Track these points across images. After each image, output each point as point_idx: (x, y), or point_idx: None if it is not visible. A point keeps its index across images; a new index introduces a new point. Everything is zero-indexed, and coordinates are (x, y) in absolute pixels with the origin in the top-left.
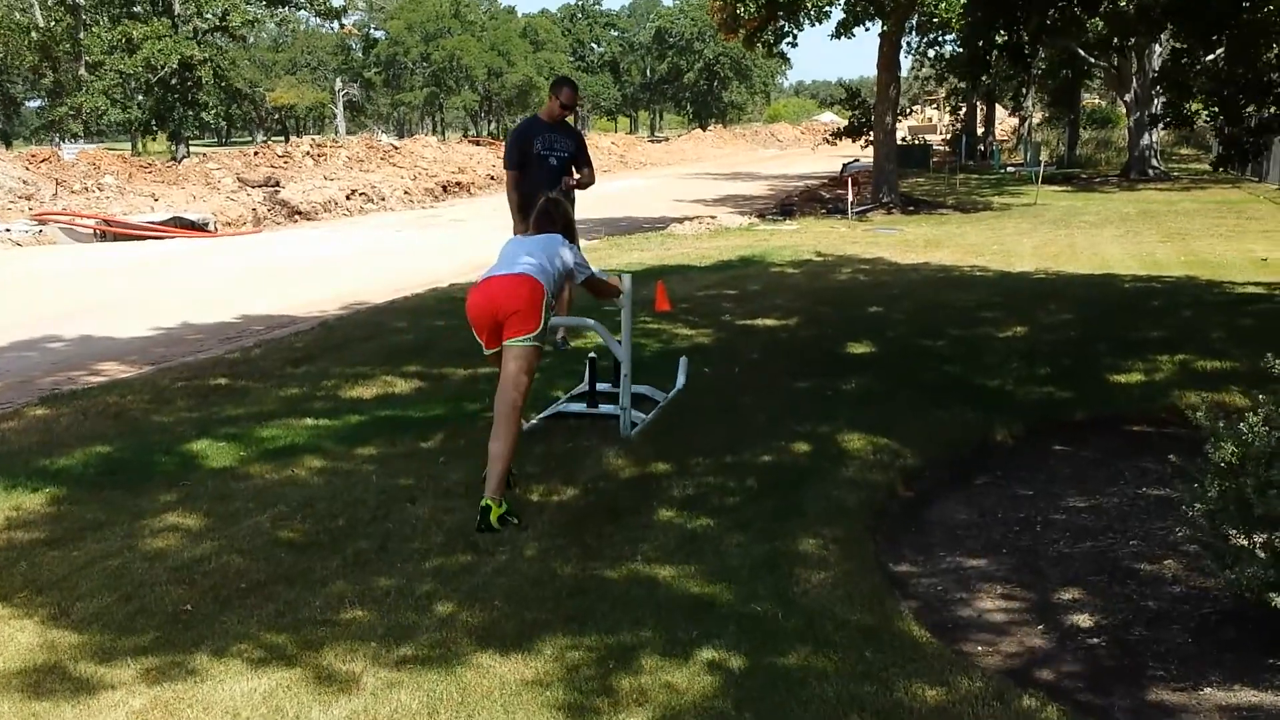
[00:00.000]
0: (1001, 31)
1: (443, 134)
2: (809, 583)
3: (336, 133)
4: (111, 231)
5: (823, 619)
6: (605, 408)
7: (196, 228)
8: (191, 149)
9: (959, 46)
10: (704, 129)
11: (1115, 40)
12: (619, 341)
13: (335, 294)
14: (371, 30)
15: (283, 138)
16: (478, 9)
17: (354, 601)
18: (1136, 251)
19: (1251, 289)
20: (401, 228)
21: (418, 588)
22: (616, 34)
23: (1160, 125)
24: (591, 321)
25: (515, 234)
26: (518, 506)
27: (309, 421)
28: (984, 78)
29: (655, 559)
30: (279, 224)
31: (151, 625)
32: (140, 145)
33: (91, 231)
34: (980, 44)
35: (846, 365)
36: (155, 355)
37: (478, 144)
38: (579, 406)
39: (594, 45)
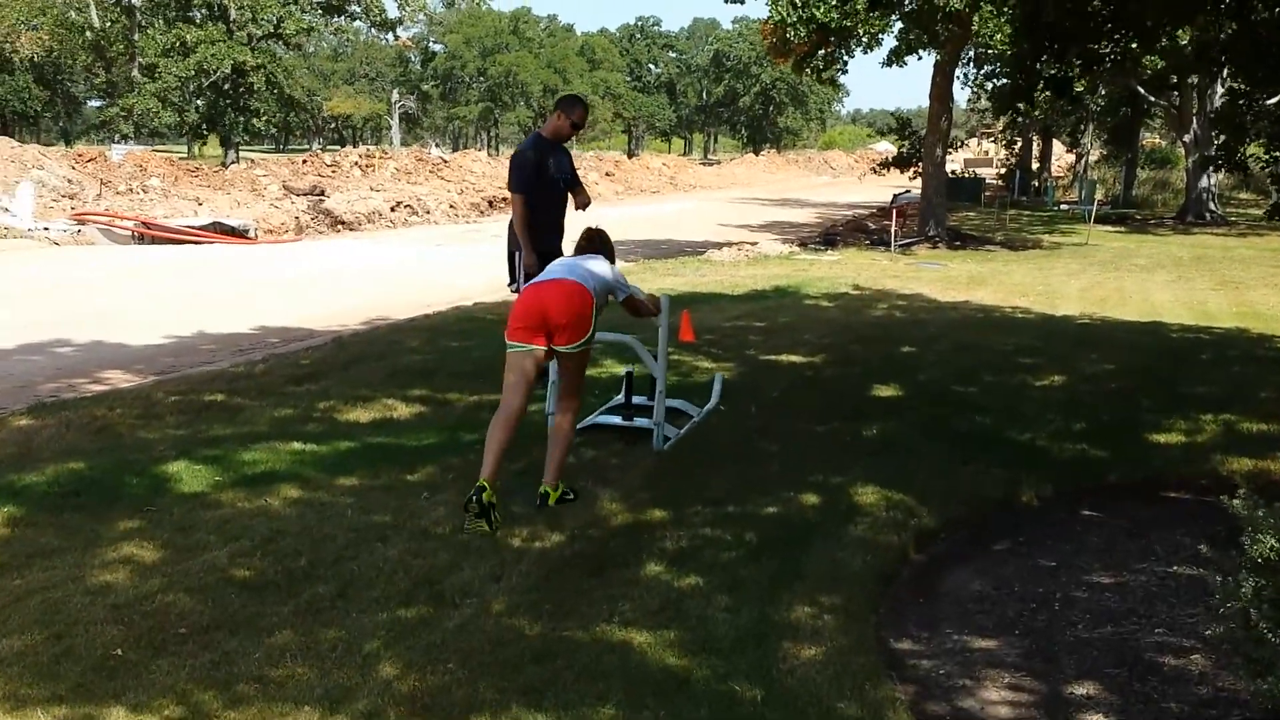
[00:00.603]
0: (1050, 63)
1: (496, 149)
2: (797, 659)
3: (391, 144)
4: (149, 234)
5: (806, 704)
6: (640, 421)
7: (236, 234)
8: (247, 155)
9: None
10: (757, 153)
11: (1174, 79)
12: (655, 358)
13: (361, 307)
14: (430, 43)
15: (339, 147)
16: (536, 26)
17: (296, 655)
18: (1187, 299)
19: None
20: (442, 241)
21: (367, 644)
22: (674, 55)
23: (1212, 168)
24: (629, 338)
25: (525, 264)
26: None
27: (296, 446)
28: (1030, 111)
29: (634, 621)
30: (321, 233)
31: (75, 670)
32: (196, 149)
33: (130, 234)
34: (1022, 76)
35: (871, 409)
36: (162, 365)
37: None
38: (615, 419)
39: (651, 66)
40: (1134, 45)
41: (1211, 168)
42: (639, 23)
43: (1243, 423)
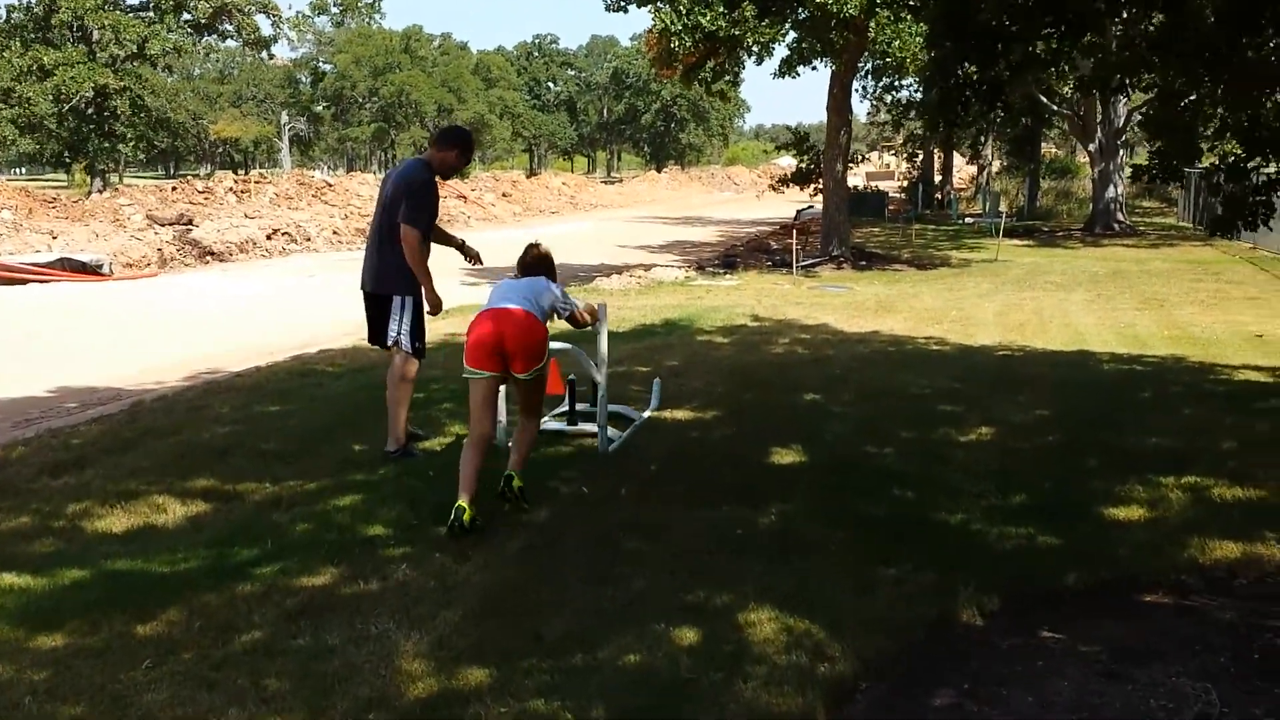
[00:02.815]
0: (974, 66)
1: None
2: None
3: (281, 167)
4: None
5: None
6: (585, 425)
7: (89, 270)
8: (131, 183)
9: (921, 88)
10: (659, 171)
11: (1086, 85)
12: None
13: (193, 357)
14: (320, 64)
15: (229, 171)
16: (429, 44)
17: None
18: (1112, 322)
19: (1252, 375)
20: (316, 272)
21: None
22: (573, 73)
23: (1145, 178)
24: (572, 347)
25: (431, 304)
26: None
27: (5, 580)
28: (962, 123)
29: None
30: (187, 265)
31: None
32: (76, 177)
33: None
34: (951, 81)
35: (767, 485)
36: None
37: None
38: (559, 425)
39: (550, 84)
40: (1066, 44)
41: (1146, 178)
42: (536, 40)
43: (1213, 487)
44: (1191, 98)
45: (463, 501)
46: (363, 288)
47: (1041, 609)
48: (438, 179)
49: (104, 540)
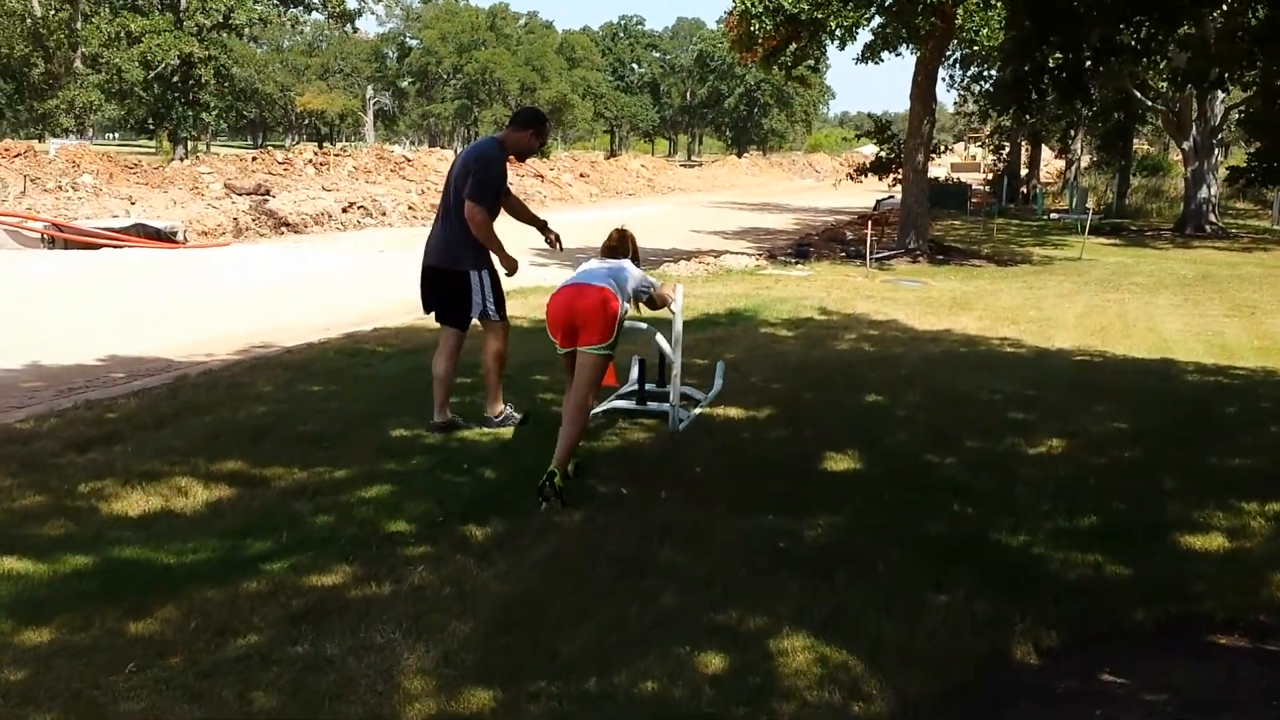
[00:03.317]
0: (1055, 52)
1: None
2: None
3: (365, 140)
4: (61, 237)
5: None
6: (653, 405)
7: (162, 237)
8: (218, 150)
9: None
10: (740, 156)
11: (1182, 79)
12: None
13: (250, 331)
14: (406, 39)
15: (315, 143)
16: (514, 22)
17: None
18: (1199, 328)
19: None
20: (387, 247)
21: None
22: (658, 55)
23: (1243, 180)
24: (647, 326)
25: (507, 268)
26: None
27: (4, 564)
28: (1033, 110)
29: None
30: (262, 235)
31: None
32: (159, 144)
33: (39, 236)
34: (1027, 68)
35: (818, 493)
36: None
37: None
38: (629, 404)
39: (634, 65)
40: (1157, 32)
41: (1243, 180)
42: (621, 21)
43: None
44: None
45: (554, 467)
46: (426, 262)
47: (1104, 647)
48: (512, 159)
49: (116, 524)
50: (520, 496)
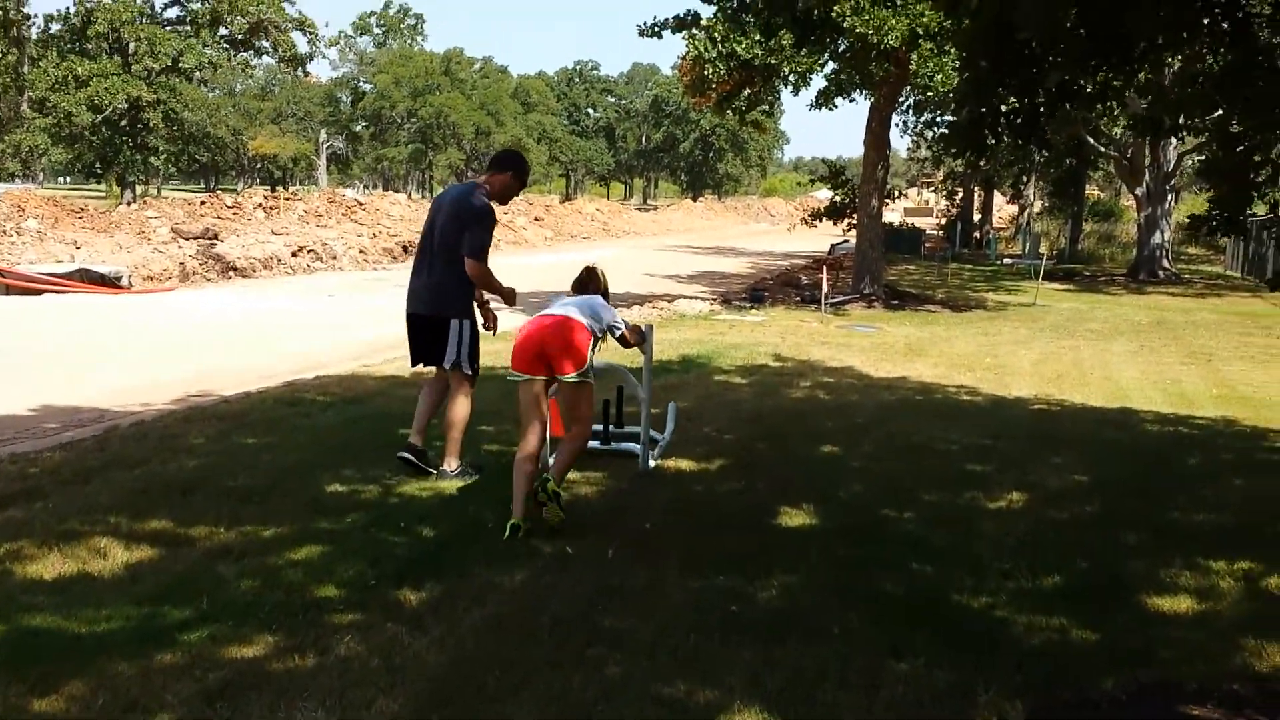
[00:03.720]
0: (1011, 93)
1: (430, 191)
2: None
3: (318, 184)
4: (3, 283)
5: None
6: (619, 445)
7: (107, 282)
8: (169, 194)
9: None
10: (695, 199)
11: (1141, 125)
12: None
13: (189, 378)
14: (360, 83)
15: (269, 187)
16: (469, 67)
17: None
18: (1157, 376)
19: None
20: (337, 291)
21: None
22: (613, 100)
23: (1205, 229)
24: (617, 365)
25: (484, 316)
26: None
27: None
28: (984, 157)
29: None
30: (209, 280)
31: None
32: (109, 188)
33: None
34: (983, 110)
35: (772, 551)
36: None
37: None
38: (595, 444)
39: (590, 110)
40: (1115, 77)
41: (1206, 229)
42: (577, 66)
43: (1269, 576)
44: (1256, 142)
45: (516, 520)
46: (412, 312)
47: (1071, 718)
48: (494, 204)
49: (29, 589)
50: (459, 555)
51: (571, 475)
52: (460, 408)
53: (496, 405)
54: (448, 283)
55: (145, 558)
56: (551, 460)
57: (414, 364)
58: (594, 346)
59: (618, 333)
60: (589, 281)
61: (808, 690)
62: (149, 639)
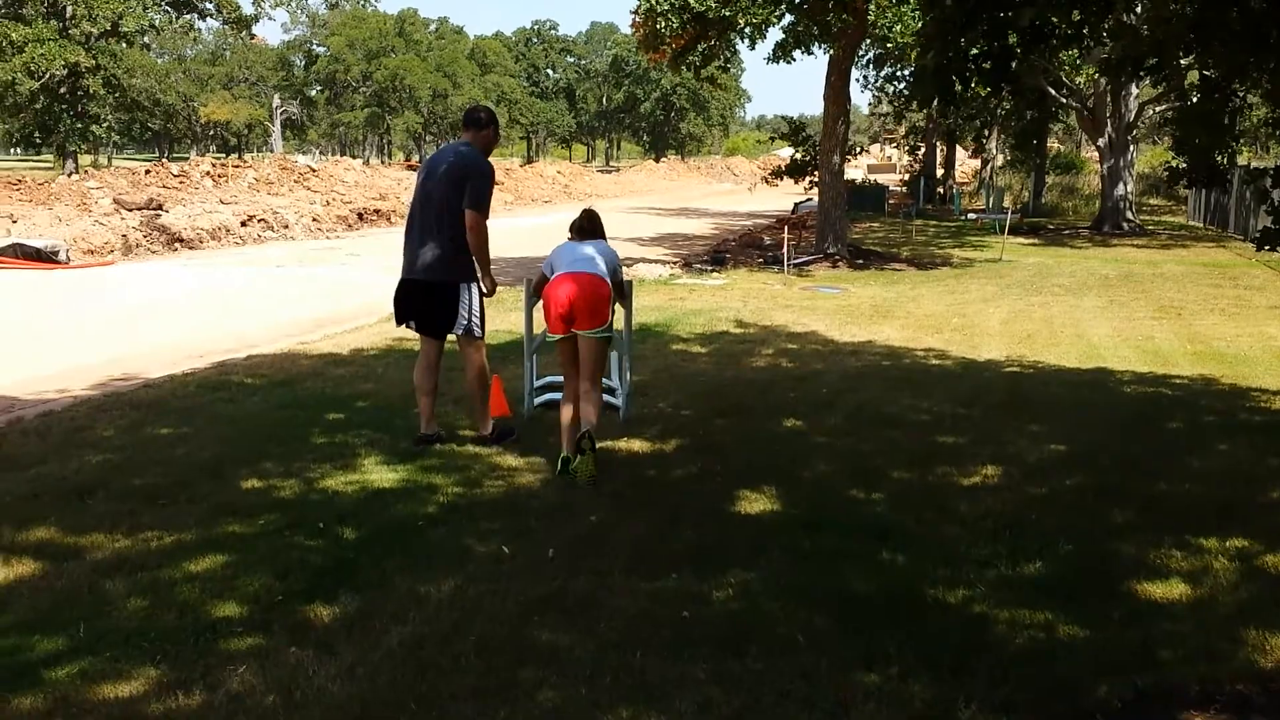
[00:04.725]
0: (981, 35)
1: (388, 156)
2: None
3: (272, 150)
4: None
5: None
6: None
7: (43, 258)
8: (120, 165)
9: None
10: (657, 160)
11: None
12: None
13: (115, 358)
14: (313, 46)
15: (223, 155)
16: (424, 28)
17: None
18: (1129, 333)
19: None
20: (285, 262)
21: None
22: (572, 60)
23: (1184, 181)
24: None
25: (488, 290)
26: None
27: None
28: (952, 104)
29: None
30: (154, 252)
31: None
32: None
33: None
34: (951, 55)
35: (730, 544)
36: None
37: (413, 169)
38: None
39: (549, 71)
40: (1092, 15)
41: (1185, 181)
42: (535, 26)
43: (1265, 554)
44: (1234, 89)
45: (566, 453)
46: (412, 277)
47: None
48: None
49: None
50: (380, 560)
51: (514, 462)
52: (478, 369)
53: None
54: (454, 248)
55: (25, 574)
56: (582, 420)
57: (399, 324)
58: (613, 302)
59: (618, 277)
60: (595, 226)
61: (768, 713)
62: (9, 678)
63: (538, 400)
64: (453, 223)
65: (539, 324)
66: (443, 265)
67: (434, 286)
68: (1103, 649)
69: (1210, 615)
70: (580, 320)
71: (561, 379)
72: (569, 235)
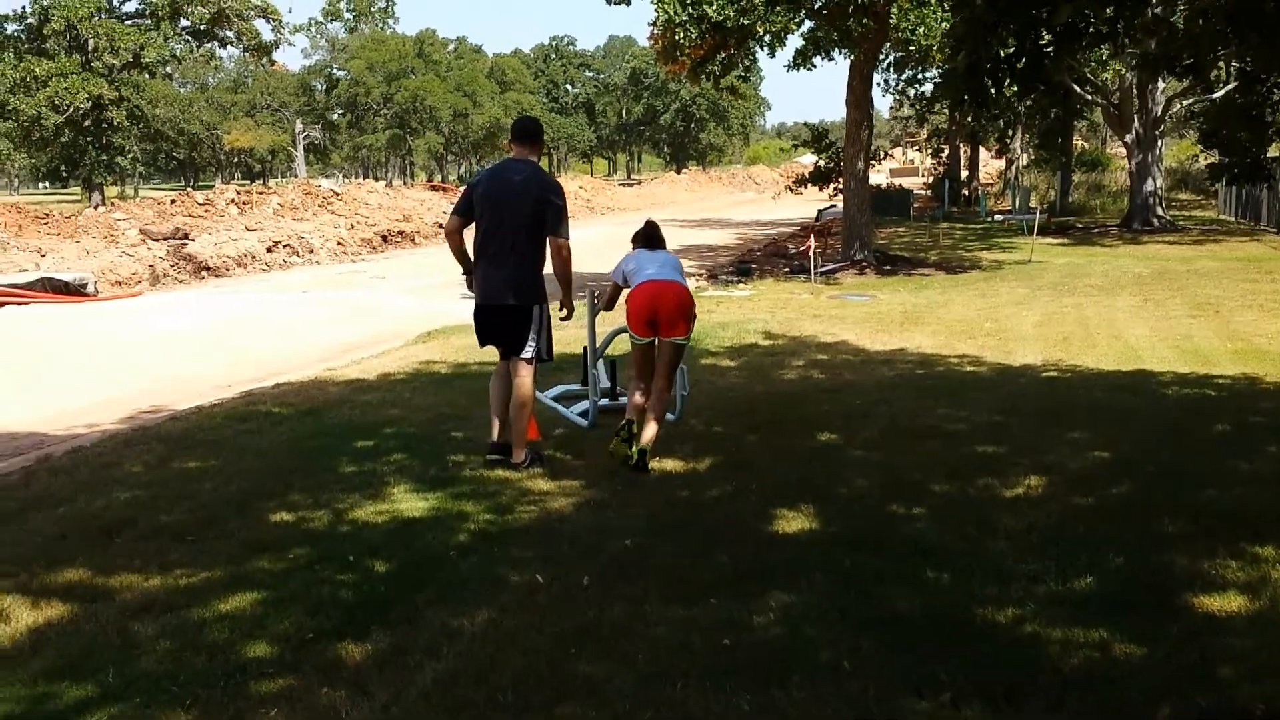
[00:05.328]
0: (1012, 35)
1: (410, 177)
2: None
3: (296, 175)
4: None
5: None
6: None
7: (71, 290)
8: (146, 195)
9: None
10: (679, 172)
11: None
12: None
13: (143, 390)
14: (333, 70)
15: (248, 181)
16: (443, 49)
17: None
18: (1166, 332)
19: None
20: (311, 287)
21: None
22: (591, 75)
23: (1226, 178)
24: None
25: (565, 302)
26: None
27: None
28: (984, 105)
29: None
30: (181, 281)
31: None
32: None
33: None
34: (981, 55)
35: (769, 566)
36: None
37: (436, 189)
38: (604, 401)
39: (568, 86)
40: (1127, 11)
41: (1225, 179)
42: (553, 42)
43: None
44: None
45: (643, 445)
46: (493, 303)
47: None
48: None
49: None
50: (412, 594)
51: (546, 486)
52: (527, 397)
53: (464, 411)
54: (532, 270)
55: (54, 617)
56: (648, 423)
57: (482, 345)
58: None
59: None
60: (657, 235)
61: None
62: None
63: (553, 406)
64: (530, 246)
65: (602, 335)
66: (519, 290)
67: (510, 310)
68: (1161, 667)
69: (1272, 629)
70: (668, 328)
71: (576, 387)
72: (633, 245)
